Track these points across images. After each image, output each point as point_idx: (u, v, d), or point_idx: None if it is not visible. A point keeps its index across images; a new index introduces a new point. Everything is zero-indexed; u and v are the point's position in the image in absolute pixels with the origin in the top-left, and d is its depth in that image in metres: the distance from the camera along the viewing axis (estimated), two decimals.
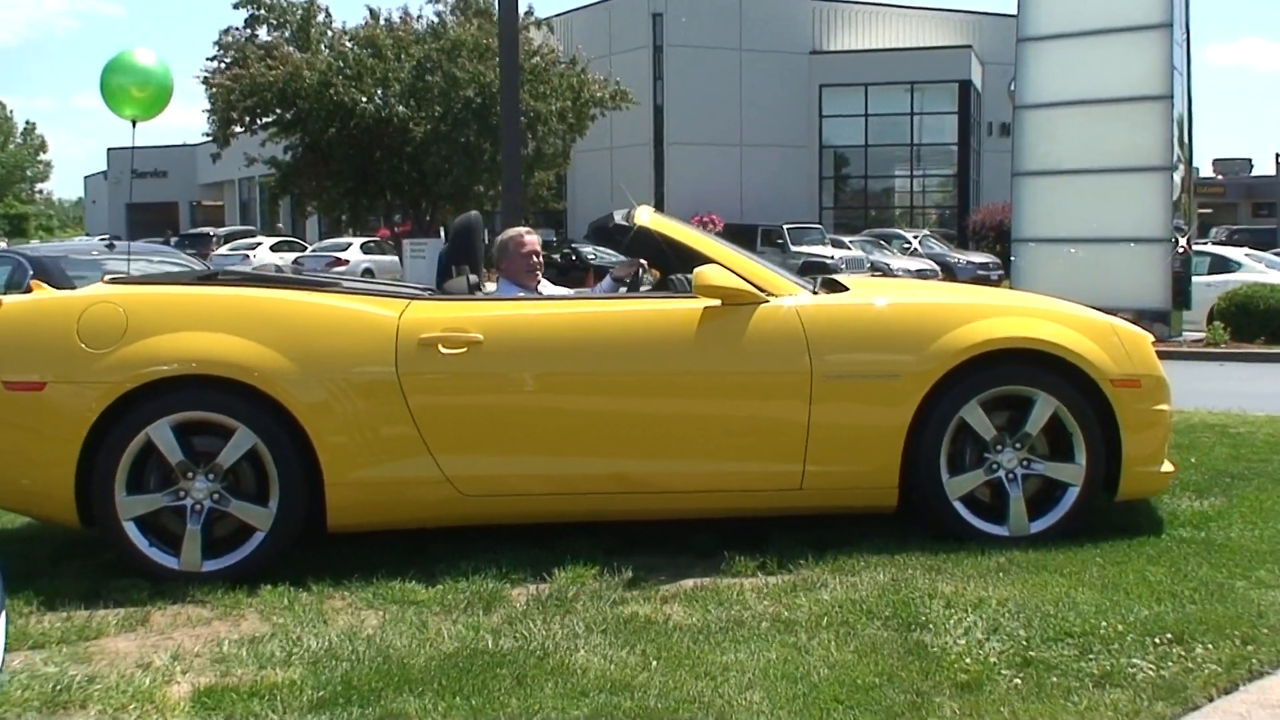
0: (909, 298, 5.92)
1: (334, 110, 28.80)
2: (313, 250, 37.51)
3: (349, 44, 30.20)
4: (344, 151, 29.60)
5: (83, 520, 5.22)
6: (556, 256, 32.30)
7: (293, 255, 37.52)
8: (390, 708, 3.72)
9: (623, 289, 6.52)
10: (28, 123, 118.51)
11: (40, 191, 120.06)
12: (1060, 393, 5.42)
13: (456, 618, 4.62)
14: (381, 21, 30.99)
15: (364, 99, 28.86)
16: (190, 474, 5.16)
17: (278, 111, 30.45)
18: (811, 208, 44.97)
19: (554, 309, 5.57)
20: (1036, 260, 18.72)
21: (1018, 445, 5.48)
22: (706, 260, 5.50)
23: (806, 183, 45.76)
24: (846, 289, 5.94)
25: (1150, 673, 3.94)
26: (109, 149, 75.89)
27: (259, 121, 31.04)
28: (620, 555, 5.42)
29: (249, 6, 31.28)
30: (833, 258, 33.19)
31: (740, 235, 36.23)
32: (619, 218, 5.86)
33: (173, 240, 44.39)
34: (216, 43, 31.22)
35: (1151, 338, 5.83)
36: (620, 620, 4.49)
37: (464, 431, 5.26)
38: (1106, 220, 17.87)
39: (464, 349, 5.25)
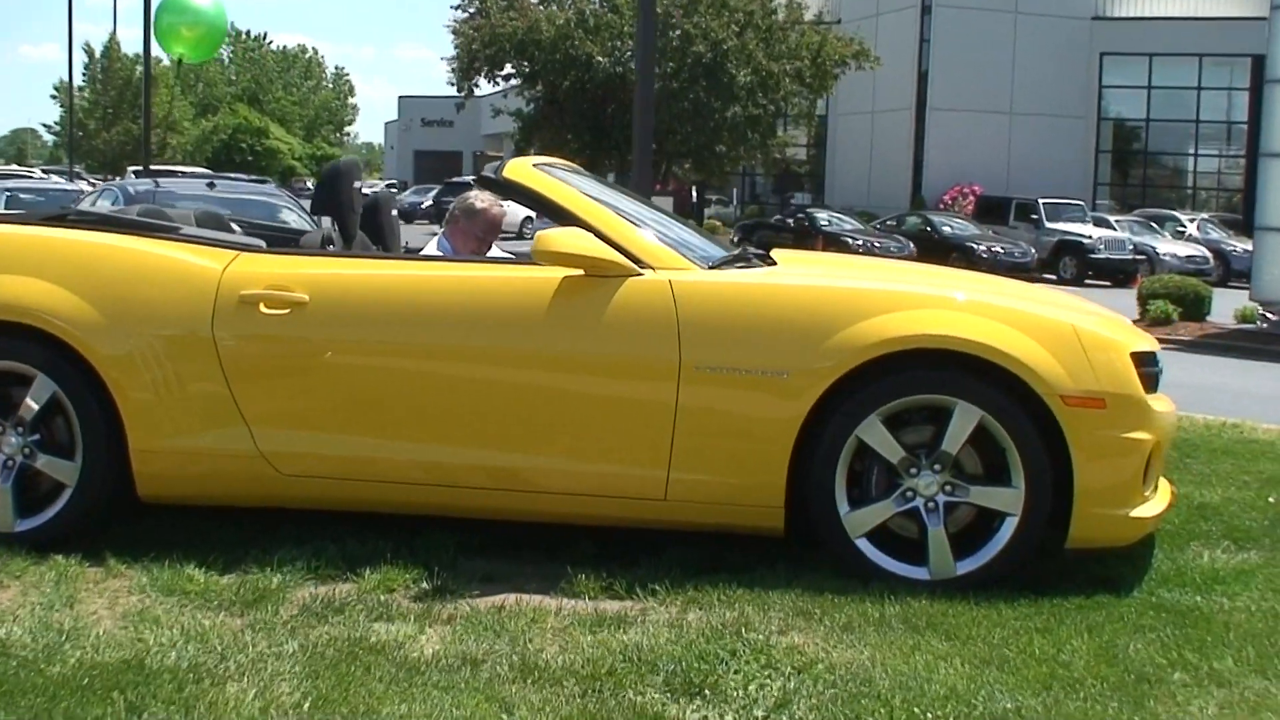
0: (822, 279, 4.84)
1: (568, 64, 28.49)
2: None
3: None
4: (578, 106, 29.28)
5: None
6: (790, 220, 31.26)
7: None
8: None
9: None
10: (337, 68, 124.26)
11: (348, 135, 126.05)
12: (986, 400, 4.33)
13: (195, 616, 3.99)
14: None
15: (599, 54, 28.36)
16: (2, 429, 4.71)
17: (524, 63, 30.39)
18: (1085, 183, 42.18)
19: (395, 270, 4.79)
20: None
21: (937, 467, 4.43)
22: (573, 220, 4.65)
23: (1080, 156, 42.91)
24: (773, 264, 5.00)
25: None
26: (400, 97, 78.73)
27: (497, 73, 31.06)
28: (471, 557, 4.71)
29: None
30: (1090, 237, 30.90)
31: (994, 208, 34.31)
32: (489, 171, 4.99)
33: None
34: None
35: (1146, 346, 4.66)
36: (349, 642, 3.76)
37: (282, 403, 4.62)
38: None
39: (286, 310, 4.59)
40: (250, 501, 4.82)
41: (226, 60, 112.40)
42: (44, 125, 52.51)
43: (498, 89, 34.69)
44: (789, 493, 4.45)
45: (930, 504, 4.42)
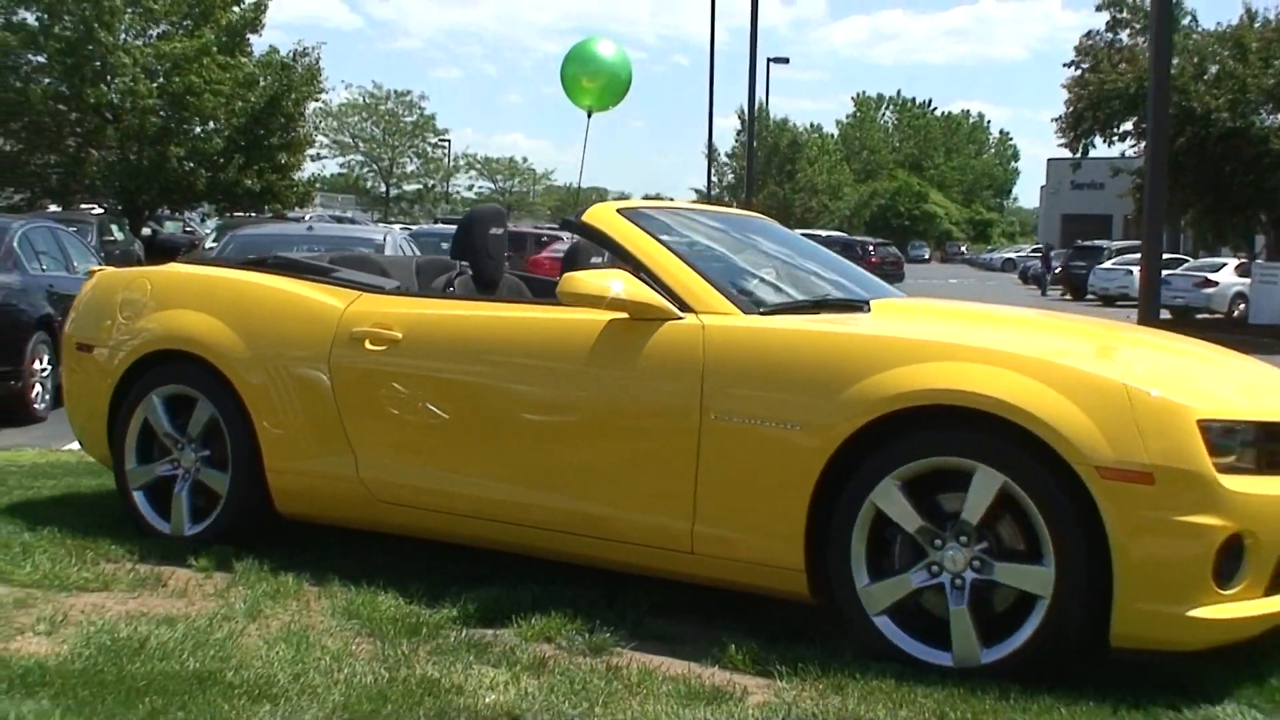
0: (851, 327, 4.48)
1: (1184, 118, 26.32)
2: (1184, 269, 35.01)
3: (1214, 45, 27.48)
4: (1196, 165, 26.92)
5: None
6: None
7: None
8: None
9: None
10: (1001, 132, 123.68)
11: (1008, 199, 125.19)
12: (1008, 464, 3.80)
13: (332, 640, 4.10)
14: (1257, 22, 27.80)
15: (1218, 107, 25.97)
16: (181, 444, 5.41)
17: (1139, 120, 28.72)
18: None
19: (477, 311, 5.06)
20: None
21: (962, 540, 3.91)
22: (629, 260, 4.70)
23: None
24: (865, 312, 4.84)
25: None
26: (1048, 160, 76.96)
27: (1110, 129, 29.50)
28: (665, 615, 4.51)
29: (1110, 9, 29.73)
30: None
31: None
32: (571, 216, 5.08)
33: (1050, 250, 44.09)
34: (1076, 47, 30.17)
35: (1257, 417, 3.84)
36: (428, 682, 3.69)
37: (379, 432, 5.02)
38: None
39: (384, 346, 5.00)
40: (357, 524, 5.22)
41: (891, 128, 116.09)
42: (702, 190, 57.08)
43: (1131, 149, 32.98)
44: (810, 557, 4.15)
45: (957, 580, 3.92)
